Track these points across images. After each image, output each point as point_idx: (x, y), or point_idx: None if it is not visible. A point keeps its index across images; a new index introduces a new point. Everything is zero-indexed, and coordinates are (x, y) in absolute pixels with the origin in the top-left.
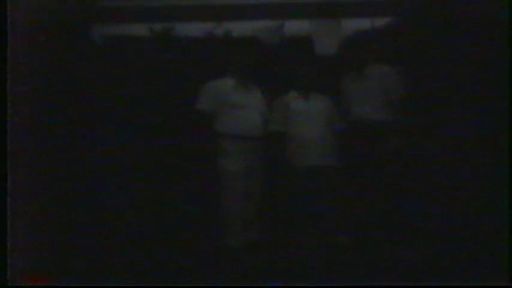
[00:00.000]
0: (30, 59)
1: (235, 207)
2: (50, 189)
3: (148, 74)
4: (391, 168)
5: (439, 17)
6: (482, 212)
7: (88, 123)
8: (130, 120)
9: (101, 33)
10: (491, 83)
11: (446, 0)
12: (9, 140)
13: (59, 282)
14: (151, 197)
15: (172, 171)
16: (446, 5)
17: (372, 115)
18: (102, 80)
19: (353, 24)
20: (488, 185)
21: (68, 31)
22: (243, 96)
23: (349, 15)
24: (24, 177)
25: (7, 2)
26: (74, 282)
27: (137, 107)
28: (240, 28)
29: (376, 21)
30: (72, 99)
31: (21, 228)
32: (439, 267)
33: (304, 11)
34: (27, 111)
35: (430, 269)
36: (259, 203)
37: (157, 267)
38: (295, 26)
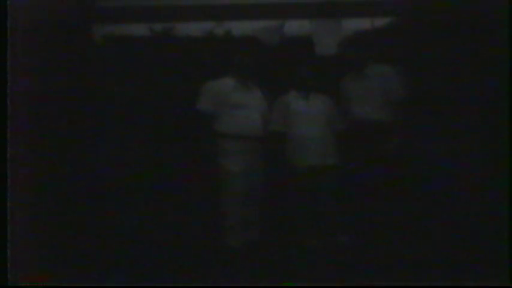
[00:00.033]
0: (30, 59)
1: (236, 207)
2: (50, 189)
3: (148, 74)
4: (391, 168)
5: (439, 17)
6: (482, 212)
7: (88, 123)
8: (131, 120)
9: (101, 33)
10: (491, 83)
11: (446, 0)
12: (9, 140)
13: (59, 282)
14: (152, 196)
15: (173, 171)
16: (446, 4)
17: (371, 115)
18: (102, 80)
19: (353, 24)
20: (488, 185)
21: (68, 31)
22: (243, 96)
23: (349, 15)
24: (24, 178)
25: (7, 2)
26: (74, 282)
27: (137, 107)
28: (240, 28)
29: (376, 21)
30: (73, 99)
31: (21, 228)
32: (439, 267)
33: (304, 11)
34: (27, 111)
35: (430, 269)
36: (259, 203)
37: (157, 267)
38: (295, 26)
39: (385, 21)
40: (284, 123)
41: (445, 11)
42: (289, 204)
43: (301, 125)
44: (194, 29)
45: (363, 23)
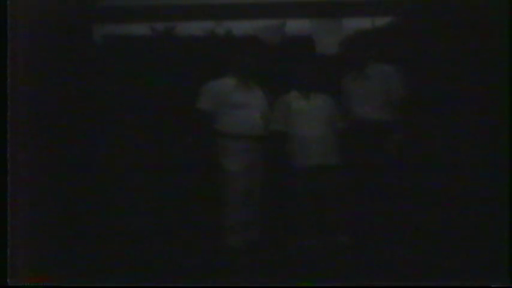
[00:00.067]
0: (30, 59)
1: (236, 207)
2: (50, 189)
3: (149, 74)
4: (392, 167)
5: (439, 17)
6: (482, 212)
7: (88, 123)
8: (131, 119)
9: (101, 32)
10: (491, 83)
11: (446, 0)
12: (9, 140)
13: (59, 282)
14: (152, 196)
15: (173, 171)
16: (446, 4)
17: (372, 115)
18: (103, 79)
19: (354, 24)
20: (488, 185)
21: (68, 31)
22: (244, 96)
23: (350, 14)
24: (24, 177)
25: (7, 2)
26: (74, 282)
27: (138, 106)
28: (241, 27)
29: (376, 21)
30: (73, 98)
31: (21, 228)
32: (439, 267)
33: (305, 11)
34: (27, 111)
35: (430, 269)
36: (259, 202)
37: (157, 267)
38: (296, 26)
39: (386, 20)
40: (285, 123)
41: (445, 10)
42: (289, 204)
43: (302, 124)
44: (195, 28)
45: (364, 23)
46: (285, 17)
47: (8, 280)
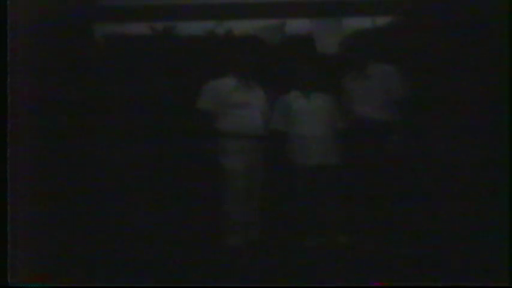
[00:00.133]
0: (30, 59)
1: (236, 207)
2: (50, 189)
3: (149, 73)
4: (392, 167)
5: (439, 17)
6: (482, 212)
7: (88, 123)
8: (131, 119)
9: (101, 32)
10: (491, 83)
11: (446, 0)
12: (9, 141)
13: (59, 282)
14: (152, 196)
15: (173, 171)
16: (446, 4)
17: (373, 114)
18: (103, 79)
19: (355, 23)
20: (488, 185)
21: (68, 31)
22: (244, 96)
23: (351, 14)
24: (24, 177)
25: (7, 2)
26: (74, 282)
27: (138, 106)
28: (242, 27)
29: (377, 20)
30: (73, 98)
31: (21, 228)
32: (439, 267)
33: (305, 10)
34: (27, 111)
35: (430, 269)
36: (260, 202)
37: (157, 267)
38: (296, 25)
39: (387, 20)
40: (285, 123)
41: (445, 10)
42: (289, 204)
43: (302, 124)
44: (195, 28)
45: (364, 22)
46: (285, 17)
47: (8, 280)
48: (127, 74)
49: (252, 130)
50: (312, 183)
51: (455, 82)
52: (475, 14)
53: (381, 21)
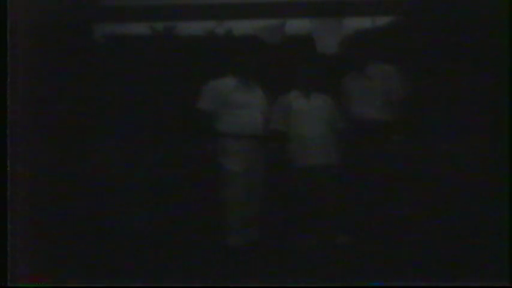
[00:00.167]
0: (30, 59)
1: (236, 207)
2: (50, 189)
3: (149, 74)
4: (392, 167)
5: (439, 17)
6: (482, 212)
7: (88, 123)
8: (131, 119)
9: (101, 32)
10: (491, 83)
11: (446, 0)
12: (9, 140)
13: (59, 283)
14: (152, 196)
15: (173, 171)
16: (446, 4)
17: (372, 114)
18: (103, 79)
19: (355, 23)
20: (489, 185)
21: (68, 31)
22: (244, 96)
23: (351, 14)
24: (24, 177)
25: (7, 2)
26: (74, 282)
27: (138, 106)
28: (242, 27)
29: (377, 20)
30: (73, 98)
31: (21, 228)
32: (439, 267)
33: (305, 10)
34: (27, 111)
35: (430, 269)
36: (259, 202)
37: (157, 267)
38: (296, 25)
39: (387, 20)
40: (285, 123)
41: (445, 10)
42: (289, 204)
43: (302, 124)
44: (195, 28)
45: (364, 22)
46: (285, 17)
47: (8, 280)
48: (127, 74)
49: (252, 130)
50: (311, 183)
51: (455, 82)
52: (475, 13)
53: (381, 21)
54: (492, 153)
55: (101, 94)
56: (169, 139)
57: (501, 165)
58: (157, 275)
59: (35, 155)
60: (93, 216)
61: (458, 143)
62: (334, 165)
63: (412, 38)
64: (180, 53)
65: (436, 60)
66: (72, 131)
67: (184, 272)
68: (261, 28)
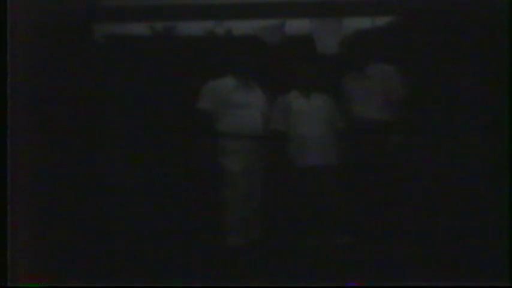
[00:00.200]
0: (30, 59)
1: (236, 207)
2: (50, 189)
3: (149, 74)
4: (392, 167)
5: (439, 17)
6: (482, 212)
7: (88, 123)
8: (131, 119)
9: (101, 32)
10: (491, 83)
11: (447, 0)
12: (9, 140)
13: (59, 282)
14: (152, 196)
15: (173, 171)
16: (446, 4)
17: (372, 114)
18: (103, 79)
19: (355, 23)
20: (488, 185)
21: (68, 31)
22: (244, 96)
23: (351, 14)
24: (24, 177)
25: (7, 2)
26: (74, 282)
27: (138, 106)
28: (241, 27)
29: (377, 20)
30: (73, 98)
31: (21, 228)
32: (439, 267)
33: (305, 10)
34: (27, 111)
35: (430, 269)
36: (259, 202)
37: (157, 267)
38: (296, 25)
39: (387, 20)
40: (285, 123)
41: (445, 10)
42: (289, 204)
43: (302, 124)
44: (195, 28)
45: (364, 22)
46: (285, 17)
47: (8, 280)
48: (127, 74)
49: (252, 130)
50: (312, 183)
51: (455, 82)
52: (475, 13)
53: (381, 21)
54: (492, 153)
55: (101, 94)
56: (169, 139)
57: (501, 165)
58: (157, 275)
59: (35, 155)
60: (93, 216)
61: (459, 143)
62: (334, 165)
63: (412, 38)
64: (180, 53)
65: (436, 60)
66: (73, 131)
67: (184, 272)
68: (261, 28)
